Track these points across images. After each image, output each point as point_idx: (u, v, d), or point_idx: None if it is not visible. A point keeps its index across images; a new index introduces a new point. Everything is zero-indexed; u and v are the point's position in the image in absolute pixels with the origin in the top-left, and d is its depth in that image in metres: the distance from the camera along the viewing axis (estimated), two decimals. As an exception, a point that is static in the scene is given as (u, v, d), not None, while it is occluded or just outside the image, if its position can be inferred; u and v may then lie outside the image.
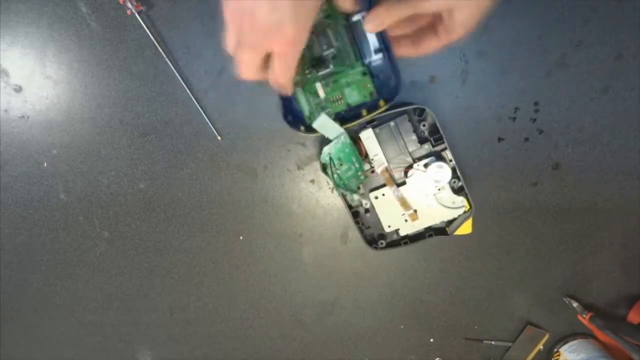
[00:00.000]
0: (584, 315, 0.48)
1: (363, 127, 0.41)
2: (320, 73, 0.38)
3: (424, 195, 0.42)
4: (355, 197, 0.43)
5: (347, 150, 0.40)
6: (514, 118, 0.43)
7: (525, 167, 0.45)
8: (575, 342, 0.50)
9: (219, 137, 0.44)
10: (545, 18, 0.40)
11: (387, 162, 0.42)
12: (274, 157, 0.45)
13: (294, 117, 0.40)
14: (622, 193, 0.46)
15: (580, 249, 0.48)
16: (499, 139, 0.44)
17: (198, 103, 0.42)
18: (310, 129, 0.39)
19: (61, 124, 0.43)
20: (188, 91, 0.42)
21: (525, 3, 0.40)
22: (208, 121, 0.43)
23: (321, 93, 0.39)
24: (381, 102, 0.39)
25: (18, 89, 0.42)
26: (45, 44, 0.41)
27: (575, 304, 0.49)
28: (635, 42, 0.41)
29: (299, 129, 0.39)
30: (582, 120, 0.43)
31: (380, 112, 0.38)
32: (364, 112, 0.39)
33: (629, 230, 0.47)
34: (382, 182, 0.42)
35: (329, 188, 0.45)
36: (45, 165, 0.44)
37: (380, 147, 0.41)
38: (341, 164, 0.41)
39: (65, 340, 0.52)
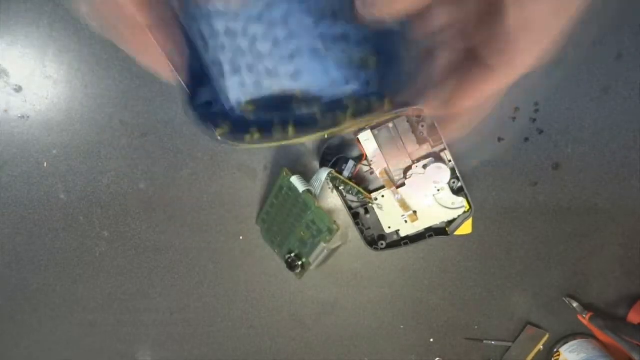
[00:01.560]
0: (584, 315, 0.48)
1: (362, 128, 0.41)
2: None
3: (424, 196, 0.42)
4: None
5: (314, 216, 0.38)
6: (514, 118, 0.43)
7: (525, 167, 0.45)
8: (575, 342, 0.50)
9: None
10: (545, 18, 0.40)
11: (387, 163, 0.42)
12: (274, 157, 0.45)
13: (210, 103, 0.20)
14: (622, 193, 0.45)
15: (580, 249, 0.48)
16: (499, 139, 0.44)
17: (198, 103, 0.42)
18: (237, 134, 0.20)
19: (61, 124, 0.43)
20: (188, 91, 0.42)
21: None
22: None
23: None
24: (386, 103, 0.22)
25: (18, 89, 0.42)
26: (45, 44, 0.41)
27: (575, 304, 0.49)
28: (635, 42, 0.41)
29: (213, 129, 0.20)
30: (582, 120, 0.43)
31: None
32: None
33: (629, 230, 0.47)
34: (381, 183, 0.42)
35: (329, 188, 0.45)
36: (45, 165, 0.44)
37: (380, 148, 0.41)
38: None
39: (65, 340, 0.52)
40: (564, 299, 0.50)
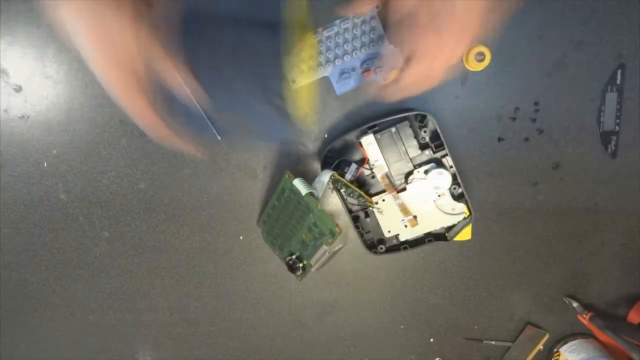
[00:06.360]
0: (584, 315, 0.48)
1: (364, 132, 0.41)
2: None
3: (424, 202, 0.42)
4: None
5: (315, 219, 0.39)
6: (514, 118, 0.43)
7: (525, 167, 0.45)
8: (575, 342, 0.50)
9: (219, 137, 0.44)
10: (545, 18, 0.40)
11: (388, 167, 0.42)
12: (274, 157, 0.45)
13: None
14: (622, 193, 0.46)
15: (580, 249, 0.48)
16: (499, 139, 0.44)
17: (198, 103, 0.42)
18: None
19: (61, 124, 0.43)
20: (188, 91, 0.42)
21: (525, 3, 0.40)
22: (208, 121, 0.43)
23: None
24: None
25: (18, 89, 0.42)
26: (45, 44, 0.40)
27: (575, 304, 0.49)
28: (635, 42, 0.41)
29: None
30: (582, 120, 0.43)
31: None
32: None
33: (629, 230, 0.47)
34: (382, 187, 0.42)
35: (329, 189, 0.45)
36: (45, 165, 0.44)
37: (381, 152, 0.41)
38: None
39: (65, 340, 0.52)
40: (564, 299, 0.50)
